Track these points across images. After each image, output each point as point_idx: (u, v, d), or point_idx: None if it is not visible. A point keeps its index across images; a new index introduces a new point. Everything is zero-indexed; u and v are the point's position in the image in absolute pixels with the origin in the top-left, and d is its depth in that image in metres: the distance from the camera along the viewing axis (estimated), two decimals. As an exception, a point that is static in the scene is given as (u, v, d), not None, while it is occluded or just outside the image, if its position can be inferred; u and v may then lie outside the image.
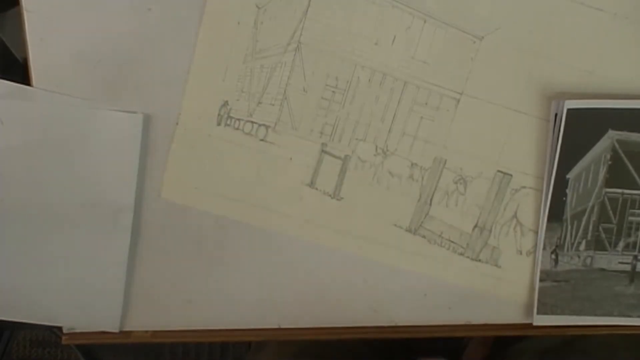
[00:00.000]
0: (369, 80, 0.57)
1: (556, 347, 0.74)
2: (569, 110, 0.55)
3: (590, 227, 0.59)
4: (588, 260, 0.60)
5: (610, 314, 0.62)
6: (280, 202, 0.60)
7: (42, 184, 0.58)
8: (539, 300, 0.61)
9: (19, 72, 0.58)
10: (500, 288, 0.61)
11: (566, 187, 0.58)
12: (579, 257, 0.60)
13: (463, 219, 0.60)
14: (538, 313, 0.62)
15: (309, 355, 0.79)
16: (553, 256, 0.60)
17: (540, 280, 0.61)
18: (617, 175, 0.58)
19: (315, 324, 0.63)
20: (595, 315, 0.62)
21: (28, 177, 0.58)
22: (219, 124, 0.58)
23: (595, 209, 0.59)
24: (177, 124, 0.58)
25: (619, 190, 0.58)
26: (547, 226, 0.59)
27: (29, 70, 0.57)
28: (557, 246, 0.60)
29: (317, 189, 0.60)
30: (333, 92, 0.57)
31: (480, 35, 0.56)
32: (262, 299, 0.62)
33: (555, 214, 0.59)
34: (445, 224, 0.60)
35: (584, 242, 0.60)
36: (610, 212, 0.59)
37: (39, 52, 0.57)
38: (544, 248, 0.60)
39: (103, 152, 0.58)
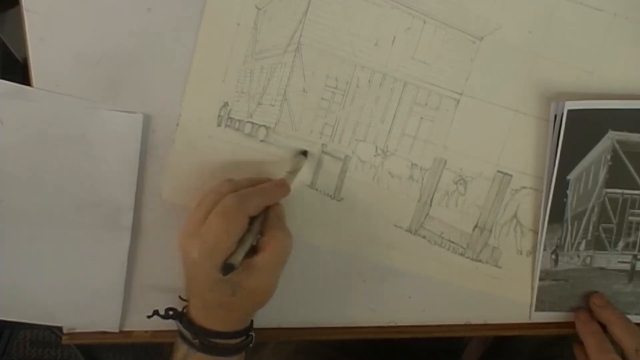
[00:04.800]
0: (369, 80, 0.57)
1: (552, 339, 0.75)
2: (569, 111, 0.55)
3: (591, 227, 0.60)
4: (588, 260, 0.60)
5: (608, 312, 0.62)
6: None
7: (42, 184, 0.58)
8: (537, 298, 0.61)
9: (19, 72, 0.58)
10: (500, 288, 0.62)
11: (566, 188, 0.58)
12: (578, 256, 0.60)
13: (463, 219, 0.60)
14: (536, 310, 0.62)
15: (308, 354, 0.79)
16: (553, 256, 0.60)
17: (540, 279, 0.61)
18: (617, 175, 0.58)
19: (315, 324, 0.63)
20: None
21: (28, 177, 0.58)
22: (219, 125, 0.58)
23: (596, 209, 0.59)
24: (177, 124, 0.58)
25: (619, 191, 0.58)
26: (547, 226, 0.59)
27: (29, 70, 0.57)
28: (557, 246, 0.60)
29: (317, 189, 0.60)
30: (333, 92, 0.57)
31: (480, 35, 0.56)
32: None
33: (556, 214, 0.59)
34: (446, 224, 0.60)
35: (584, 242, 0.60)
36: (610, 212, 0.59)
37: (39, 52, 0.57)
38: (545, 248, 0.60)
39: (103, 152, 0.58)
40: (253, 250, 0.52)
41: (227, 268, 0.49)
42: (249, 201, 0.51)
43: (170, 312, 0.55)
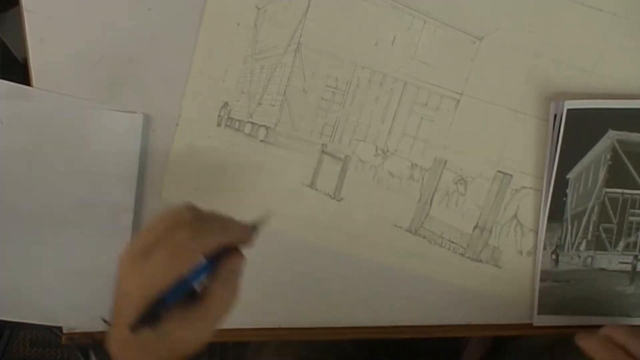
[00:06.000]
0: (369, 80, 0.57)
1: (553, 344, 0.74)
2: (568, 110, 0.55)
3: (591, 227, 0.59)
4: (589, 260, 0.60)
5: (610, 314, 0.62)
6: (280, 203, 0.60)
7: (42, 184, 0.58)
8: (539, 301, 0.61)
9: (19, 72, 0.58)
10: (500, 288, 0.61)
11: (566, 187, 0.58)
12: (579, 257, 0.60)
13: (463, 219, 0.60)
14: (539, 313, 0.62)
15: (308, 357, 0.79)
16: (553, 256, 0.60)
17: (541, 281, 0.61)
18: (617, 175, 0.58)
19: (315, 324, 0.63)
20: (596, 315, 0.62)
21: (28, 177, 0.58)
22: (219, 125, 0.58)
23: (596, 209, 0.59)
24: (177, 124, 0.58)
25: (619, 190, 0.58)
26: (547, 226, 0.59)
27: (29, 70, 0.57)
28: (557, 246, 0.60)
29: (317, 189, 0.60)
30: (333, 92, 0.57)
31: (480, 35, 0.56)
32: (262, 299, 0.62)
33: (556, 214, 0.59)
34: (446, 225, 0.60)
35: (584, 242, 0.60)
36: (611, 212, 0.59)
37: (39, 52, 0.57)
38: (545, 248, 0.60)
39: (103, 152, 0.58)
40: (192, 294, 0.47)
41: (146, 323, 0.44)
42: (203, 239, 0.46)
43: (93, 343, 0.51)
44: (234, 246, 0.48)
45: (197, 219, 0.47)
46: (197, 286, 0.47)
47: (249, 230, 0.49)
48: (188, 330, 0.46)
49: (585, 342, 0.57)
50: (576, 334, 0.58)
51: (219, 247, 0.46)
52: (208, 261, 0.46)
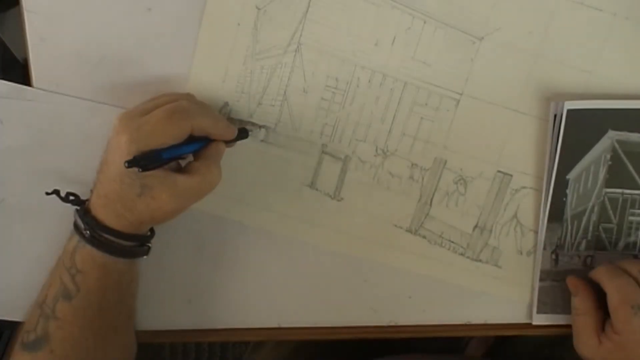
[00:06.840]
0: (369, 80, 0.57)
1: (553, 340, 0.74)
2: (568, 110, 0.55)
3: (591, 227, 0.60)
4: (588, 260, 0.60)
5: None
6: (280, 203, 0.60)
7: (42, 183, 0.58)
8: (539, 300, 0.61)
9: (19, 72, 0.58)
10: (500, 288, 0.61)
11: (566, 188, 0.58)
12: (579, 257, 0.60)
13: (463, 219, 0.60)
14: (538, 312, 0.62)
15: (307, 354, 0.79)
16: (553, 256, 0.60)
17: (540, 280, 0.61)
18: (617, 175, 0.58)
19: (315, 324, 0.63)
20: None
21: (28, 177, 0.58)
22: (219, 125, 0.58)
23: (596, 209, 0.59)
24: (177, 124, 0.58)
25: (619, 190, 0.58)
26: (547, 226, 0.59)
27: (29, 70, 0.57)
28: (557, 246, 0.60)
29: (317, 189, 0.60)
30: (333, 92, 0.57)
31: (480, 35, 0.56)
32: (262, 299, 0.62)
33: (556, 214, 0.59)
34: (446, 224, 0.60)
35: (584, 242, 0.60)
36: (610, 212, 0.59)
37: (39, 52, 0.57)
38: (544, 248, 0.60)
39: (103, 152, 0.58)
40: (177, 169, 0.53)
41: (139, 163, 0.47)
42: (198, 116, 0.51)
43: (71, 197, 0.54)
44: (217, 139, 0.54)
45: (197, 102, 0.54)
46: (182, 162, 0.53)
47: (234, 130, 0.55)
48: (169, 194, 0.50)
49: (595, 272, 0.57)
50: (597, 269, 0.57)
51: (208, 130, 0.52)
52: (196, 143, 0.52)
